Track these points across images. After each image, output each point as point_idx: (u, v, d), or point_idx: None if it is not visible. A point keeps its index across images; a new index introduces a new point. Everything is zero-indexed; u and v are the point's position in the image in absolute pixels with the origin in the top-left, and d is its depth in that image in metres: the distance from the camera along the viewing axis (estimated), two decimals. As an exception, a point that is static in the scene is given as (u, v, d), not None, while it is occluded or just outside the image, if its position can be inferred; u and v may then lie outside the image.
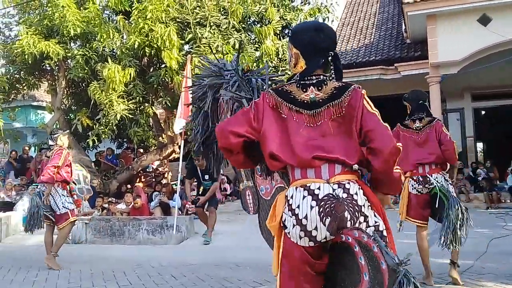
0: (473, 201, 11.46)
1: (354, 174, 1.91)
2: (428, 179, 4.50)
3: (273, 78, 3.10)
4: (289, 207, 1.89)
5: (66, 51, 10.31)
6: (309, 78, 2.01)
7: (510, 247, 6.16)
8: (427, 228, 4.66)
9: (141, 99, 10.41)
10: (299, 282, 1.89)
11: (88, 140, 10.33)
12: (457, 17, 11.77)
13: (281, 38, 11.59)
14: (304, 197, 1.85)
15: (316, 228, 1.82)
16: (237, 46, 9.88)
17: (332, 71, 2.05)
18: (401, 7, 12.47)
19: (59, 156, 6.24)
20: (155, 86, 10.35)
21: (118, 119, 9.63)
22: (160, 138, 12.07)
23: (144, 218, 8.84)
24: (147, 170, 13.31)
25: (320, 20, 11.95)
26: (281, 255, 1.94)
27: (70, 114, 12.58)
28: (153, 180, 12.93)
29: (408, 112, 4.77)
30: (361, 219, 1.83)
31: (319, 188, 1.85)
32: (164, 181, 12.61)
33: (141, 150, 13.69)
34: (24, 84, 12.14)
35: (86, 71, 10.25)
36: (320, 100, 1.95)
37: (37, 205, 6.28)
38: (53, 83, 11.94)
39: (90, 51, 10.28)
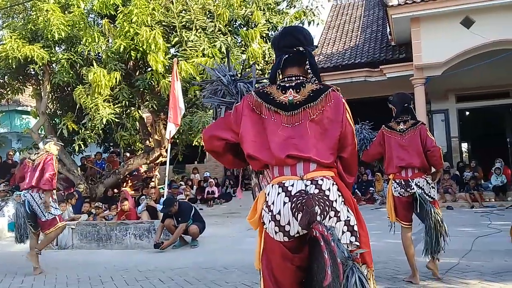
0: (458, 201, 11.62)
1: (330, 171, 1.99)
2: (409, 183, 4.53)
3: (260, 81, 3.11)
4: (265, 203, 1.97)
5: (51, 55, 10.23)
6: (288, 80, 2.10)
7: (495, 245, 6.24)
8: (411, 229, 4.71)
9: (127, 103, 10.37)
10: (279, 275, 1.96)
11: (74, 145, 10.25)
12: (440, 19, 11.94)
13: (267, 41, 11.63)
14: (278, 193, 1.93)
15: (288, 223, 1.89)
16: (223, 49, 9.90)
17: (308, 67, 2.15)
18: (386, 10, 12.61)
19: (52, 164, 6.25)
20: (141, 89, 10.31)
21: (104, 123, 9.57)
22: (147, 142, 12.01)
23: (131, 222, 8.77)
24: (134, 173, 13.25)
25: (306, 23, 12.02)
26: (261, 250, 2.02)
27: (56, 119, 12.46)
28: (141, 184, 12.86)
29: (393, 114, 4.80)
30: (332, 213, 1.88)
31: (292, 185, 1.92)
32: (152, 184, 12.56)
33: (128, 154, 13.62)
34: (8, 89, 12.03)
35: (71, 75, 10.18)
36: (298, 102, 2.03)
37: (22, 216, 6.24)
38: (38, 88, 11.83)
39: (75, 55, 10.22)
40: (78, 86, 9.87)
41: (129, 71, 10.57)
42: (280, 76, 2.16)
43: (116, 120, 9.94)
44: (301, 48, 2.11)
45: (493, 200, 11.71)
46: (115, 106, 9.91)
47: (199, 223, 8.10)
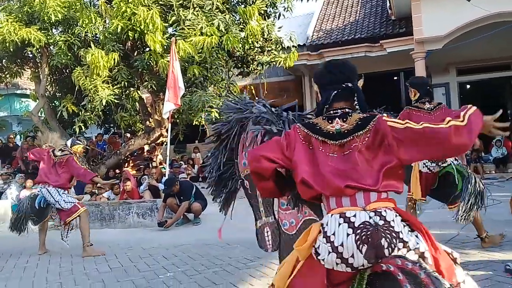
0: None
1: (390, 201, 1.93)
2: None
3: (303, 115, 3.05)
4: (324, 234, 1.88)
5: (48, 37, 10.16)
6: (334, 111, 2.08)
7: (494, 216, 6.26)
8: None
9: (126, 83, 10.33)
10: None
11: (74, 127, 10.25)
12: (441, -8, 11.77)
13: (266, 18, 11.52)
14: (339, 224, 1.85)
15: (352, 256, 1.80)
16: (221, 27, 9.81)
17: (356, 102, 2.11)
18: (385, -17, 12.44)
19: (76, 162, 6.35)
20: (140, 70, 10.25)
21: (103, 104, 9.55)
22: (147, 122, 12.00)
23: (134, 201, 8.86)
24: (135, 154, 13.29)
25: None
26: (293, 275, 1.96)
27: (55, 101, 12.45)
28: (143, 164, 12.90)
29: (413, 97, 4.89)
30: (400, 245, 1.81)
31: (355, 216, 1.85)
32: (153, 164, 12.61)
33: (128, 135, 13.63)
34: (6, 73, 11.98)
35: (69, 57, 10.13)
36: (346, 131, 2.01)
37: (24, 210, 6.24)
38: (36, 70, 11.78)
39: (72, 36, 10.14)
40: (76, 68, 9.83)
41: (127, 51, 10.50)
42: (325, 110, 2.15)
43: (116, 101, 9.92)
44: (349, 84, 2.09)
45: (494, 172, 11.76)
46: (114, 87, 9.88)
47: (201, 201, 8.18)
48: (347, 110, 2.07)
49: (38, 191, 6.29)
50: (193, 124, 10.35)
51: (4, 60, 11.54)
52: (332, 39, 14.97)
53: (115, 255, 6.04)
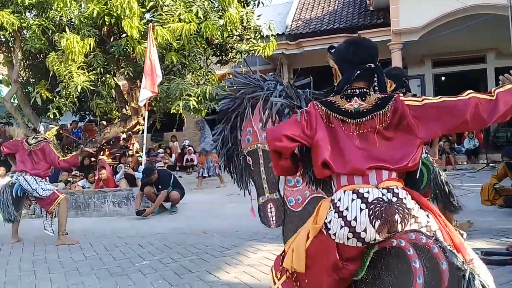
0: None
1: (399, 182, 1.95)
2: None
3: (316, 93, 2.98)
4: (336, 209, 1.90)
5: (21, 21, 9.85)
6: (352, 90, 2.07)
7: (466, 205, 6.44)
8: None
9: (102, 70, 10.12)
10: (321, 283, 1.95)
11: (48, 114, 10.04)
12: (418, -17, 11.89)
13: (245, 5, 11.44)
14: (353, 200, 1.87)
15: (365, 230, 1.83)
16: (200, 14, 9.70)
17: (376, 84, 2.11)
18: (364, -26, 12.49)
19: (52, 150, 6.22)
20: (116, 56, 10.07)
21: (79, 91, 9.35)
22: (124, 110, 11.83)
23: (109, 190, 8.77)
24: (111, 142, 13.12)
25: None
26: (306, 253, 1.98)
27: (29, 87, 12.13)
28: (119, 152, 12.76)
29: (389, 88, 4.90)
30: (412, 221, 1.85)
31: (368, 192, 1.87)
32: (130, 153, 12.48)
33: (104, 123, 13.43)
34: (-22, 57, 11.64)
35: (43, 41, 9.87)
36: (364, 110, 2.00)
37: (6, 198, 6.11)
38: (9, 55, 11.45)
39: (46, 21, 9.86)
40: (50, 53, 9.58)
41: (103, 37, 10.28)
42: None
43: (91, 87, 9.72)
44: (372, 65, 2.08)
45: (465, 163, 12.03)
46: (90, 73, 9.68)
47: (179, 189, 8.16)
48: (365, 89, 2.07)
49: (15, 179, 6.16)
50: (171, 112, 10.26)
51: (-25, 44, 11.20)
52: (311, 29, 14.99)
53: (90, 243, 5.99)
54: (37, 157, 6.14)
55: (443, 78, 16.01)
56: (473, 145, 12.32)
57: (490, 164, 11.04)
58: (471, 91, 1.94)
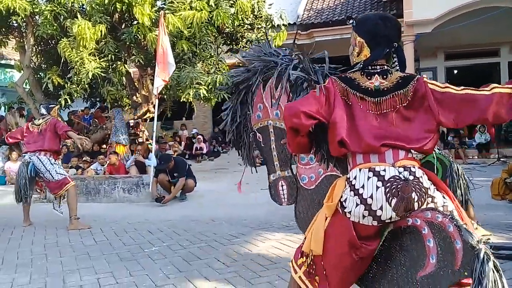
0: (443, 158, 11.81)
1: (416, 161, 1.94)
2: None
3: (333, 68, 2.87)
4: (351, 187, 1.88)
5: (34, 6, 9.90)
6: (373, 67, 2.02)
7: (476, 200, 6.39)
8: None
9: (113, 57, 10.16)
10: (339, 264, 1.94)
11: (59, 99, 10.10)
12: (432, -26, 11.74)
13: (257, -7, 11.38)
14: (369, 178, 1.86)
15: (381, 208, 1.81)
16: (211, 2, 9.67)
17: (396, 62, 2.08)
18: (378, -36, 12.35)
19: (61, 123, 6.33)
20: (127, 43, 10.09)
21: (90, 77, 9.40)
22: (134, 97, 11.88)
23: (120, 176, 8.83)
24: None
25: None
26: (324, 235, 1.96)
27: (40, 73, 12.20)
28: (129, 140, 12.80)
29: None
30: (429, 200, 1.84)
31: (384, 170, 1.86)
32: (140, 140, 12.54)
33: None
34: (-10, 42, 11.69)
35: (55, 27, 9.91)
36: (385, 89, 1.97)
37: (24, 177, 6.17)
38: (21, 40, 11.51)
39: (58, 6, 9.90)
40: (62, 39, 9.62)
41: (114, 24, 10.30)
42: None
43: (102, 74, 9.76)
44: (395, 44, 2.05)
45: (476, 157, 11.96)
46: (101, 60, 9.72)
47: (193, 178, 8.27)
48: (386, 67, 2.03)
49: (29, 159, 6.18)
50: (181, 100, 10.28)
51: (-12, 29, 11.24)
52: (322, 19, 14.87)
53: (101, 228, 6.05)
54: (50, 133, 6.17)
55: (455, 71, 15.85)
56: (485, 139, 12.25)
57: (501, 159, 10.97)
58: (495, 84, 1.88)
